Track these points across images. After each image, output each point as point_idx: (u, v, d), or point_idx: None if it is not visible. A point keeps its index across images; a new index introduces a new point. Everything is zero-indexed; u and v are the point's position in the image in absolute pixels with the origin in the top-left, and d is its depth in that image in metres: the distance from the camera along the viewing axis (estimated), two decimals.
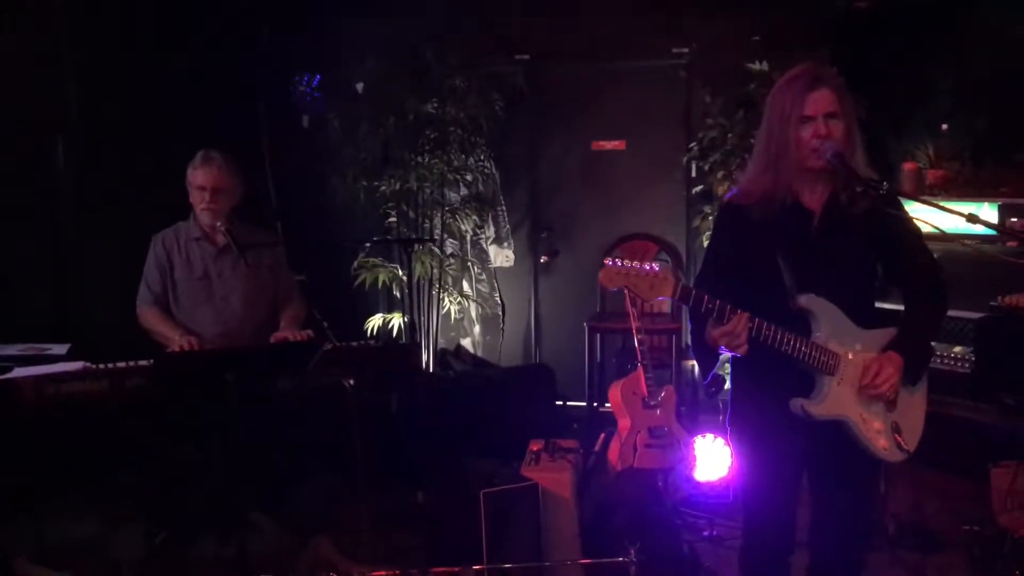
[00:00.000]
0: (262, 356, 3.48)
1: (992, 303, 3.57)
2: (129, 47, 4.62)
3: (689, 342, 5.53)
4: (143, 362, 3.26)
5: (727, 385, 2.69)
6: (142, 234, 3.86)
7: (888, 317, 2.52)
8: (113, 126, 4.54)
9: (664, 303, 5.47)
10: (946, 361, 4.20)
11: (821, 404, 2.35)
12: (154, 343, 3.66)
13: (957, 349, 4.20)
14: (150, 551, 3.60)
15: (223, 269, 3.80)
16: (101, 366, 3.25)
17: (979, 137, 4.92)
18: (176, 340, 3.55)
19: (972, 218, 2.24)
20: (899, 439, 2.42)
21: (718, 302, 2.22)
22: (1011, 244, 3.98)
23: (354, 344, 3.73)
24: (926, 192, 4.76)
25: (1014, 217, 4.29)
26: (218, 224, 3.70)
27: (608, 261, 2.18)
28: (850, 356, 2.38)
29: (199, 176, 3.71)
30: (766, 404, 2.46)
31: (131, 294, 3.80)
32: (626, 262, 2.18)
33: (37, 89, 4.32)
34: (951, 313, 4.10)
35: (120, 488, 4.01)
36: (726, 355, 2.39)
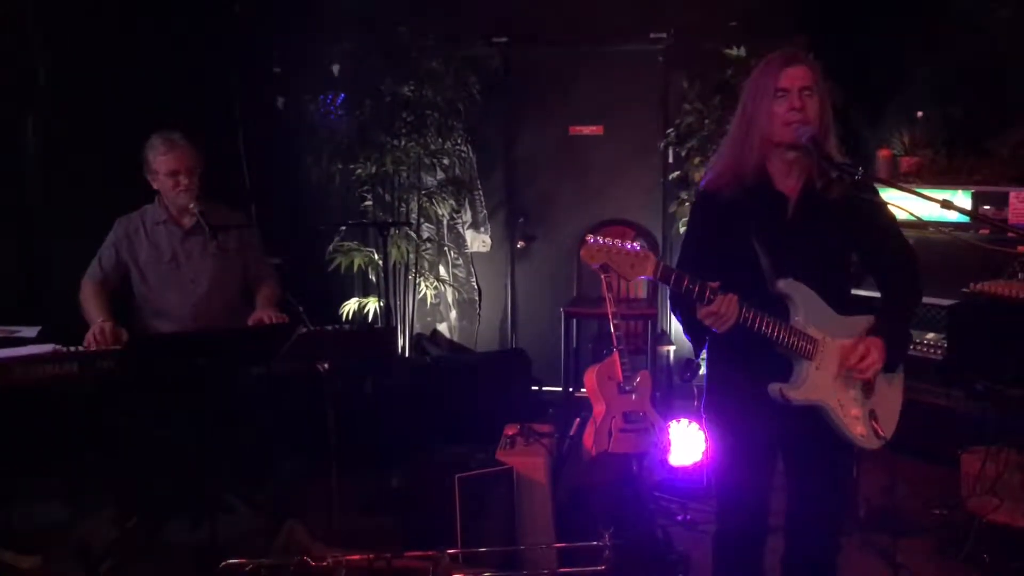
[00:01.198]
0: (234, 339, 3.45)
1: (964, 290, 3.60)
2: (98, 24, 4.53)
3: (665, 328, 5.57)
4: (115, 346, 3.21)
5: (702, 371, 2.69)
6: (111, 215, 3.80)
7: (862, 303, 2.53)
8: (83, 106, 4.46)
9: (640, 288, 5.49)
10: (919, 347, 4.23)
11: (799, 389, 2.36)
12: (134, 327, 3.61)
13: (930, 335, 4.24)
14: (121, 535, 3.57)
15: (191, 251, 3.75)
16: (71, 349, 3.21)
17: (953, 125, 4.95)
18: (97, 323, 3.43)
19: (947, 204, 2.25)
20: (876, 426, 2.43)
21: (698, 283, 2.21)
22: (984, 231, 4.01)
23: (329, 328, 3.70)
24: (900, 179, 4.78)
25: (987, 204, 4.33)
26: (191, 206, 3.64)
27: (590, 238, 2.16)
28: (828, 341, 2.38)
29: (169, 162, 3.63)
30: (742, 389, 2.46)
31: None
32: (607, 239, 2.16)
33: (4, 67, 4.23)
34: (924, 300, 4.12)
35: (90, 472, 3.95)
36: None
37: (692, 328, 2.43)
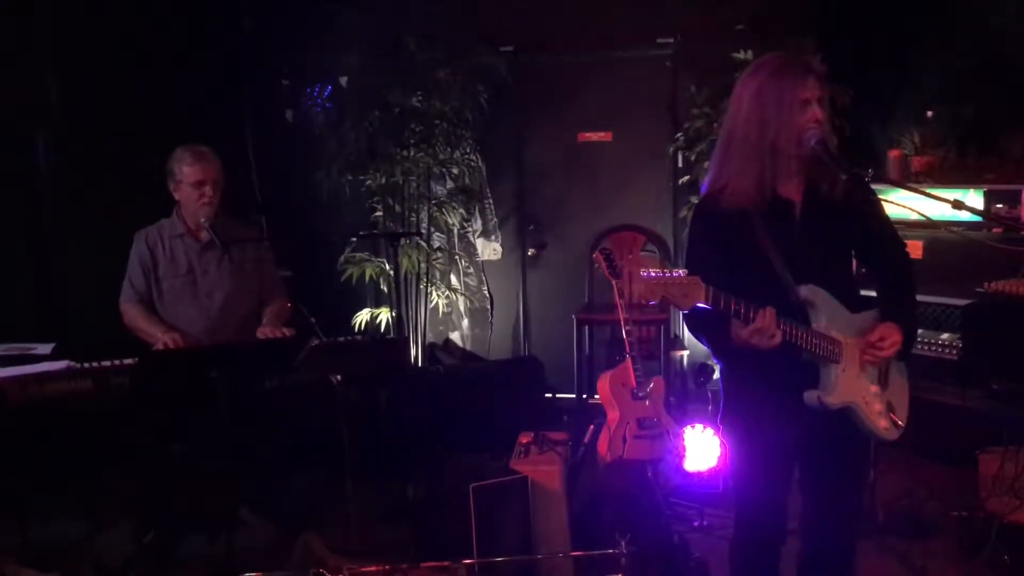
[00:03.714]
0: (248, 353, 3.46)
1: (978, 289, 3.57)
2: (109, 40, 4.57)
3: (678, 333, 5.55)
4: (127, 361, 3.23)
5: (716, 375, 2.68)
6: (126, 230, 3.82)
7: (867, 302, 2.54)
8: (94, 120, 4.50)
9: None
10: (933, 348, 4.20)
11: (834, 393, 2.36)
12: (138, 341, 3.63)
13: (944, 336, 4.21)
14: (138, 550, 3.58)
15: (207, 265, 3.77)
16: (85, 365, 3.22)
17: (964, 124, 4.93)
18: (160, 337, 3.52)
19: (958, 204, 2.24)
20: (894, 417, 2.47)
21: (744, 303, 2.20)
22: (997, 231, 3.99)
23: (341, 339, 3.71)
24: (911, 179, 4.76)
25: (999, 203, 4.29)
26: (202, 220, 3.66)
27: (643, 272, 2.08)
28: (849, 342, 2.39)
29: (196, 172, 3.65)
30: (760, 397, 2.45)
31: (115, 292, 3.76)
32: (658, 272, 2.09)
33: (15, 82, 4.27)
34: (938, 300, 4.11)
35: (106, 488, 3.98)
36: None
37: (725, 352, 2.42)
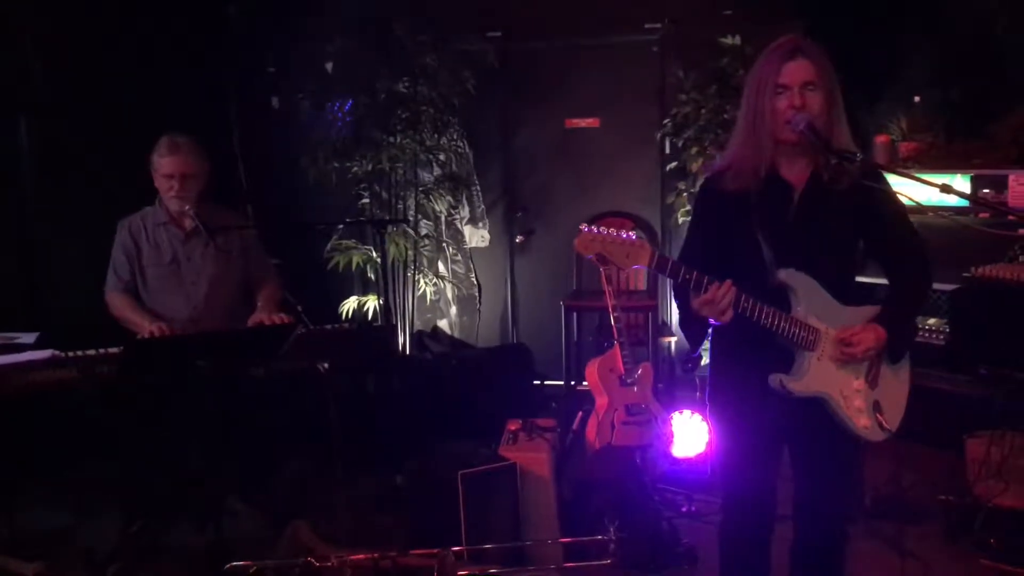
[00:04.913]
0: (233, 341, 3.44)
1: (966, 274, 3.58)
2: (94, 24, 4.52)
3: (666, 319, 5.56)
4: (112, 349, 3.21)
5: (704, 361, 2.68)
6: (109, 218, 3.79)
7: (866, 291, 2.51)
8: (78, 107, 4.45)
9: (641, 279, 5.47)
10: (922, 333, 4.21)
11: (801, 380, 2.34)
12: (124, 330, 3.61)
13: (932, 321, 4.22)
14: (125, 539, 3.56)
15: (192, 253, 3.74)
16: (70, 354, 3.19)
17: (952, 109, 4.93)
18: (146, 326, 3.50)
19: (946, 188, 2.22)
20: (880, 418, 2.41)
21: (695, 272, 2.20)
22: (984, 215, 3.99)
23: (328, 327, 3.69)
24: (900, 164, 4.76)
25: (987, 188, 4.30)
26: (187, 208, 3.64)
27: (584, 227, 2.15)
28: (830, 332, 2.36)
29: (166, 164, 3.63)
30: (745, 379, 2.44)
31: (99, 280, 3.74)
32: (602, 229, 2.15)
33: None
34: None
35: (94, 477, 3.96)
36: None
37: (688, 321, 2.43)
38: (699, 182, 3.74)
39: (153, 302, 3.71)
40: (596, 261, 2.18)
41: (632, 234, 2.17)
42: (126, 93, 4.55)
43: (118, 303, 3.68)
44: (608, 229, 2.15)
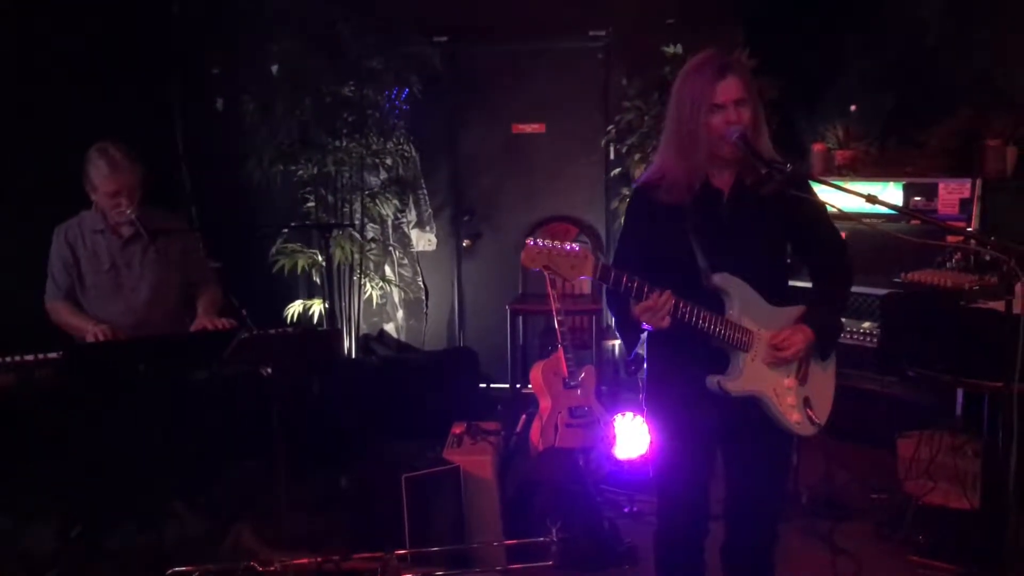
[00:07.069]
0: (175, 345, 3.41)
1: (896, 279, 3.70)
2: (30, 20, 4.43)
3: (610, 323, 5.63)
4: (51, 354, 3.16)
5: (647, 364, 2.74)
6: (45, 222, 3.72)
7: (801, 295, 2.59)
8: (11, 106, 4.35)
9: (585, 284, 5.53)
10: (855, 336, 4.34)
11: (737, 380, 2.41)
12: (65, 335, 3.56)
13: (866, 324, 4.35)
14: (65, 544, 3.51)
15: (131, 259, 3.70)
16: (7, 359, 3.14)
17: (886, 118, 5.06)
18: (90, 329, 3.46)
19: (871, 199, 2.32)
20: (810, 413, 2.50)
21: (636, 281, 2.26)
22: (914, 222, 4.12)
23: (271, 331, 3.67)
24: (835, 172, 4.88)
25: (918, 196, 4.44)
26: (130, 214, 3.58)
27: (529, 241, 2.19)
28: (762, 332, 2.44)
29: (110, 183, 3.53)
30: (681, 381, 2.50)
31: (36, 283, 3.67)
32: (547, 242, 2.19)
33: None
34: (859, 289, 4.24)
35: (33, 481, 3.88)
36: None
37: (625, 326, 2.49)
38: None
39: (93, 309, 3.66)
40: (545, 271, 2.23)
41: (576, 245, 2.21)
42: (66, 93, 4.47)
43: (59, 310, 3.63)
44: (553, 242, 2.19)
